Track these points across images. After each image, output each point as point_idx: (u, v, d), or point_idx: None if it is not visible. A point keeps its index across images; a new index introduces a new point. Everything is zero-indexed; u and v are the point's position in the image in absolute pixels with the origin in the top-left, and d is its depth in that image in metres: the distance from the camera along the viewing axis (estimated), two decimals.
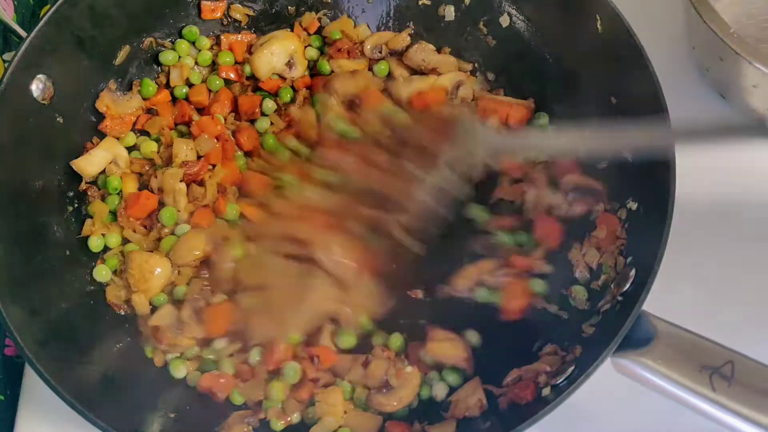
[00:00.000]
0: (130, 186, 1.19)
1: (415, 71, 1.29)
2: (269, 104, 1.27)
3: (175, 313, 1.11)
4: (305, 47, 1.30)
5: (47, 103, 1.12)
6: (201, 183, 1.19)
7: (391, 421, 1.04)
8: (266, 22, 1.34)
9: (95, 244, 1.15)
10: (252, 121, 1.27)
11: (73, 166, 1.16)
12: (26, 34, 1.08)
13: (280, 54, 1.26)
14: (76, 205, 1.17)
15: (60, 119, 1.15)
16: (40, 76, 1.10)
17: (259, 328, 1.08)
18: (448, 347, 1.10)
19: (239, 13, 1.32)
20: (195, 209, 1.18)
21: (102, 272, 1.14)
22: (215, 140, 1.21)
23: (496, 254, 1.16)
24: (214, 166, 1.20)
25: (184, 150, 1.19)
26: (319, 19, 1.34)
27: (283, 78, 1.29)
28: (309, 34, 1.33)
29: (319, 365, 1.09)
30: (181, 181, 1.17)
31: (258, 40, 1.29)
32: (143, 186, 1.20)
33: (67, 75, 1.14)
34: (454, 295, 1.14)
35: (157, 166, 1.21)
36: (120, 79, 1.24)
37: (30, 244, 1.07)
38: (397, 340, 1.12)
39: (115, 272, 1.15)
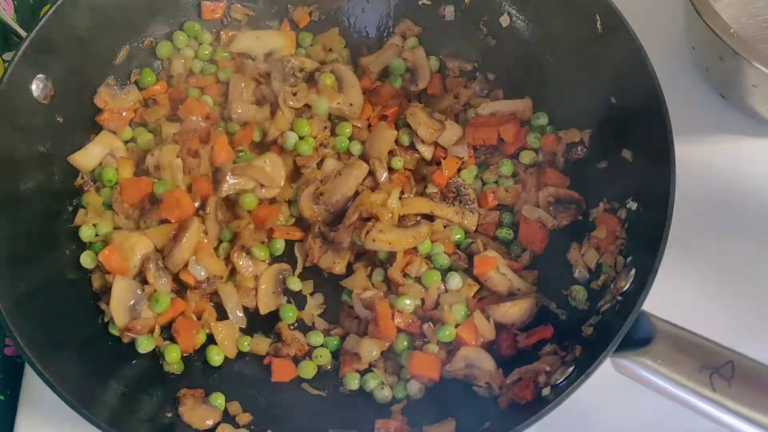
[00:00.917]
0: (127, 171, 1.19)
1: None
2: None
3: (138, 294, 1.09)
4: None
5: (47, 102, 1.12)
6: (195, 155, 1.17)
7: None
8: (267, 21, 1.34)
9: (86, 234, 1.14)
10: None
11: (70, 162, 1.16)
12: (26, 34, 1.08)
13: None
14: (76, 203, 1.17)
15: (60, 119, 1.15)
16: (40, 75, 1.10)
17: None
18: None
19: (239, 12, 1.32)
20: (192, 181, 1.16)
21: (87, 259, 1.13)
22: (201, 122, 1.20)
23: None
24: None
25: (172, 134, 1.20)
26: (311, 14, 1.34)
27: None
28: (300, 29, 1.34)
29: None
30: (177, 156, 1.16)
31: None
32: (141, 172, 1.19)
33: (67, 75, 1.14)
34: None
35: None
36: (120, 79, 1.24)
37: (30, 244, 1.06)
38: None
39: None
